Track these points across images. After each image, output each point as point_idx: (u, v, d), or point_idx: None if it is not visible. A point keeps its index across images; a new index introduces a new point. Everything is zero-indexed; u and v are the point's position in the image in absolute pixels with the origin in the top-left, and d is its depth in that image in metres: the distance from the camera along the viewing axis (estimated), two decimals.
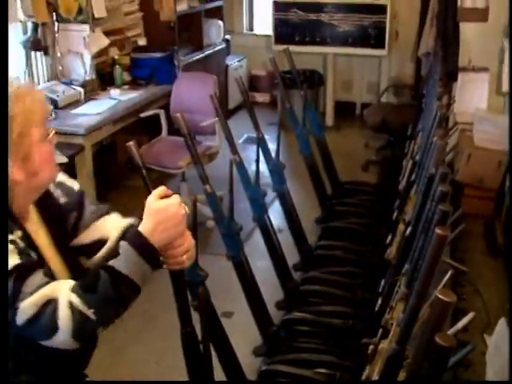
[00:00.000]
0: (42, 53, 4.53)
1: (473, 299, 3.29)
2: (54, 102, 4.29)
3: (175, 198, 1.44)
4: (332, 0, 6.26)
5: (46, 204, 1.59)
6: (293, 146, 4.16)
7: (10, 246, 1.37)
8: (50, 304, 1.33)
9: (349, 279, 3.22)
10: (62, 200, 1.65)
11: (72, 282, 1.38)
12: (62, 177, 1.68)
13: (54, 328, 1.33)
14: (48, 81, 4.64)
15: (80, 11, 4.58)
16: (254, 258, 3.30)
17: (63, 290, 1.35)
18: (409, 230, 2.15)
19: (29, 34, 4.36)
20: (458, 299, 1.62)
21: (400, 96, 6.50)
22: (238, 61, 6.95)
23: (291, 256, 3.50)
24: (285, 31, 6.38)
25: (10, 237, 1.39)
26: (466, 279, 3.33)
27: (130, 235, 1.42)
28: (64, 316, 1.33)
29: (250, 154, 4.68)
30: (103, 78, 4.90)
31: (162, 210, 1.41)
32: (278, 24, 6.40)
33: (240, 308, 3.19)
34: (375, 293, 2.67)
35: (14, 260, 1.34)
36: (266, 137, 3.35)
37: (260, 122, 3.34)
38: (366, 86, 6.91)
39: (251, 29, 7.56)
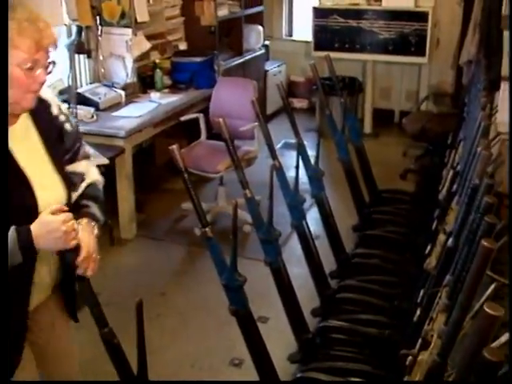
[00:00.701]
0: (86, 56, 4.60)
1: None
2: (96, 104, 4.36)
3: (62, 216, 1.60)
4: (373, 7, 6.24)
5: (43, 118, 1.80)
6: (331, 152, 4.15)
7: None
8: None
9: (386, 288, 3.19)
10: (68, 127, 1.87)
11: None
12: (67, 110, 1.92)
13: None
14: (90, 83, 4.72)
15: (123, 15, 4.65)
16: (291, 263, 3.29)
17: None
18: (450, 240, 2.12)
19: (73, 37, 4.43)
20: None
21: (440, 104, 6.43)
22: (277, 66, 6.97)
23: (328, 263, 3.48)
24: (324, 37, 6.37)
25: None
26: (506, 292, 3.27)
27: (24, 228, 1.58)
28: None
29: (287, 159, 4.68)
30: (144, 82, 4.96)
31: (44, 224, 1.60)
32: (318, 30, 6.40)
33: (276, 314, 3.18)
34: (413, 303, 2.64)
35: None
36: (305, 143, 3.35)
37: (298, 128, 3.34)
38: (405, 94, 6.85)
39: (290, 35, 7.58)
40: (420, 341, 1.90)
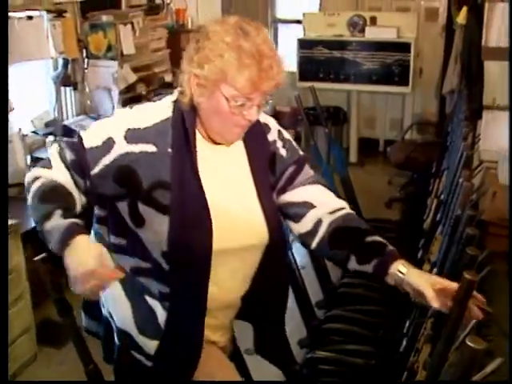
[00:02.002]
0: (72, 88, 4.62)
1: (499, 341, 3.23)
2: None
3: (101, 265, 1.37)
4: (356, 38, 6.34)
5: (256, 145, 1.66)
6: None
7: (98, 139, 1.56)
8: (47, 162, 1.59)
9: (373, 318, 3.19)
10: (283, 152, 1.72)
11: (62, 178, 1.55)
12: (289, 137, 1.80)
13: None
14: (77, 115, 4.73)
15: (109, 48, 4.69)
16: None
17: (52, 172, 1.55)
18: (435, 271, 2.14)
19: (59, 69, 4.46)
20: (484, 341, 1.61)
21: (424, 133, 6.51)
22: None
23: (314, 293, 3.48)
24: (309, 68, 6.44)
25: (113, 135, 1.56)
26: (493, 319, 3.28)
27: (68, 232, 1.41)
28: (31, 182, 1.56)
29: None
30: None
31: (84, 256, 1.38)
32: (303, 61, 6.47)
33: None
34: (399, 333, 2.65)
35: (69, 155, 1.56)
36: None
37: None
38: (390, 123, 6.93)
39: None
40: (406, 373, 1.91)
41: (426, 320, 1.98)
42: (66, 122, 4.47)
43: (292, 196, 1.71)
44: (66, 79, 4.49)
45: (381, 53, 6.24)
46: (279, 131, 1.76)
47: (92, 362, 1.71)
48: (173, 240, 1.50)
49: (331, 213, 1.67)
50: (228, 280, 1.65)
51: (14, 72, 3.85)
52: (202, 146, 1.58)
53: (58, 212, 1.44)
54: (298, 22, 6.86)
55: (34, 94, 4.43)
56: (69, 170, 1.56)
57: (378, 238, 1.65)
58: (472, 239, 1.64)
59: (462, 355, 1.16)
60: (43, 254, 1.57)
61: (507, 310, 3.59)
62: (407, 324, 2.47)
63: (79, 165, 1.55)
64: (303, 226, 1.69)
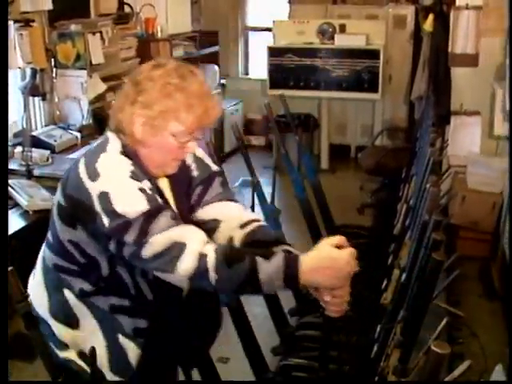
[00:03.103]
0: (40, 98, 4.58)
1: (470, 343, 3.27)
2: (51, 147, 4.33)
3: (349, 254, 1.52)
4: (326, 46, 6.38)
5: (178, 174, 1.73)
6: (288, 189, 4.19)
7: (139, 193, 1.54)
8: (177, 247, 1.49)
9: (345, 324, 3.20)
10: (195, 173, 1.80)
11: (201, 237, 1.54)
12: (202, 153, 1.85)
13: (173, 267, 1.48)
14: (46, 125, 4.69)
15: (78, 58, 4.66)
16: (250, 303, 3.28)
17: (194, 240, 1.51)
18: (404, 276, 2.15)
19: (27, 79, 4.41)
20: (455, 343, 1.62)
21: (394, 139, 6.58)
22: (234, 105, 7.03)
23: (287, 301, 3.48)
24: (280, 76, 6.47)
25: (139, 185, 1.56)
26: (463, 322, 3.31)
27: (292, 256, 1.51)
28: (188, 261, 1.48)
29: (245, 197, 4.69)
30: (100, 123, 4.94)
31: (332, 259, 1.50)
32: (273, 69, 6.50)
33: (236, 354, 3.16)
34: (371, 339, 2.66)
35: (142, 206, 1.52)
36: (262, 180, 3.38)
37: (255, 165, 3.37)
38: (361, 129, 6.99)
39: (247, 73, 7.69)
40: (376, 378, 1.92)
41: (396, 325, 2.00)
42: (34, 133, 4.42)
43: (201, 214, 1.78)
44: (35, 89, 4.45)
45: (350, 60, 6.30)
46: (193, 154, 1.82)
47: (61, 375, 1.70)
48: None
49: (241, 227, 1.73)
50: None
51: None
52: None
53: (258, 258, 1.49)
54: (269, 29, 6.89)
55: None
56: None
57: (284, 247, 1.68)
58: (439, 244, 1.66)
59: (428, 360, 1.18)
60: (11, 267, 1.55)
61: (477, 312, 3.64)
62: (378, 329, 2.49)
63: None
64: (216, 240, 1.72)
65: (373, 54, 6.22)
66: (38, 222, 3.35)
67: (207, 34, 6.42)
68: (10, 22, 4.15)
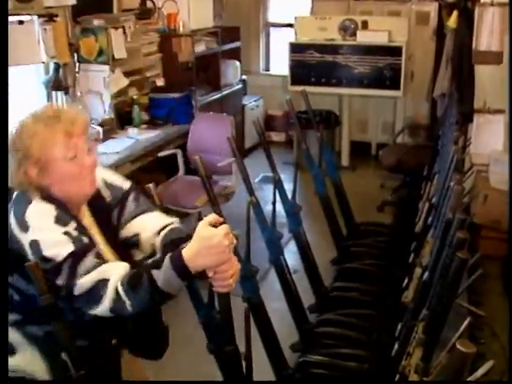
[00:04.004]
0: (63, 92, 4.61)
1: (491, 343, 3.24)
2: None
3: (222, 229, 1.55)
4: (348, 42, 6.35)
5: (96, 204, 1.85)
6: (308, 185, 4.18)
7: (64, 237, 1.63)
8: (102, 283, 1.59)
9: (364, 322, 3.19)
10: (109, 199, 1.90)
11: (122, 270, 1.62)
12: (112, 178, 1.95)
13: (98, 301, 1.60)
14: None
15: (101, 52, 4.68)
16: (270, 299, 3.28)
17: (114, 275, 1.60)
18: (426, 275, 2.14)
19: (50, 74, 4.45)
20: (477, 343, 1.59)
21: (415, 137, 6.53)
22: (255, 101, 7.04)
23: (306, 297, 3.48)
24: (301, 72, 6.45)
25: (63, 229, 1.65)
26: (484, 322, 3.28)
27: (174, 255, 1.57)
28: (109, 296, 1.59)
29: (266, 193, 4.70)
30: (122, 118, 4.97)
31: (207, 238, 1.54)
32: (295, 65, 6.48)
33: (254, 349, 3.15)
34: (391, 336, 2.65)
35: (68, 248, 1.61)
36: (282, 176, 3.37)
37: (276, 161, 3.36)
38: (382, 127, 6.95)
39: (267, 69, 7.67)
40: (398, 376, 1.91)
41: (418, 323, 1.99)
42: None
43: (123, 233, 1.90)
44: (58, 83, 4.48)
45: (372, 57, 6.26)
46: (102, 179, 1.90)
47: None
48: None
49: (158, 233, 1.86)
50: None
51: None
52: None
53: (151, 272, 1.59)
54: (290, 25, 6.87)
55: (25, 98, 4.41)
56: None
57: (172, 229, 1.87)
58: (463, 243, 1.65)
59: (453, 358, 1.17)
60: (34, 262, 1.63)
61: (498, 312, 3.60)
62: (399, 327, 2.47)
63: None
64: (144, 251, 1.90)
65: (395, 51, 6.16)
66: None
67: (229, 29, 6.41)
68: (35, 17, 4.18)
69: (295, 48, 6.49)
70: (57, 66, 4.45)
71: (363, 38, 6.28)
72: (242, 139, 6.47)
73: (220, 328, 2.26)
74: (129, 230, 1.90)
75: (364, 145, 6.97)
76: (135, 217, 1.91)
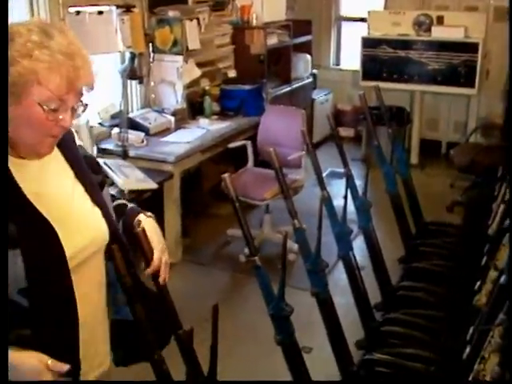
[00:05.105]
0: (137, 81, 4.71)
1: None
2: (146, 129, 4.45)
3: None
4: (422, 37, 6.24)
5: (71, 148, 1.54)
6: (376, 182, 4.12)
7: None
8: None
9: (432, 323, 3.13)
10: (79, 142, 1.63)
11: None
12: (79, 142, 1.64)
13: None
14: (141, 108, 4.82)
15: (175, 43, 4.75)
16: (335, 293, 3.26)
17: None
18: (503, 278, 2.08)
19: (126, 63, 4.54)
20: None
21: (488, 136, 6.35)
22: (324, 95, 7.01)
23: (372, 295, 3.44)
24: (373, 67, 6.39)
25: None
26: None
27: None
28: None
29: (332, 188, 4.67)
30: (193, 108, 5.04)
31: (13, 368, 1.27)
32: (367, 60, 6.42)
33: (319, 344, 3.16)
34: (460, 340, 2.59)
35: None
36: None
37: (347, 158, 3.33)
38: (453, 125, 6.81)
39: (338, 63, 7.62)
40: (471, 380, 1.87)
41: (494, 328, 1.94)
42: (131, 115, 4.55)
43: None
44: (133, 73, 4.56)
45: (447, 53, 6.12)
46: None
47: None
48: (32, 273, 1.35)
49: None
50: (91, 294, 1.55)
51: None
52: (14, 165, 1.39)
53: None
54: (363, 20, 6.80)
55: (101, 86, 4.52)
56: None
57: (120, 201, 1.72)
58: None
59: None
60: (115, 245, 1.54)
61: None
62: (471, 331, 2.42)
63: None
64: None
65: (471, 48, 6.02)
66: (132, 201, 3.44)
67: (301, 22, 6.39)
68: (113, 8, 4.29)
69: (367, 43, 6.43)
70: (132, 56, 4.54)
71: (438, 33, 6.16)
72: (311, 134, 6.46)
73: (289, 320, 2.26)
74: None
75: (434, 143, 6.83)
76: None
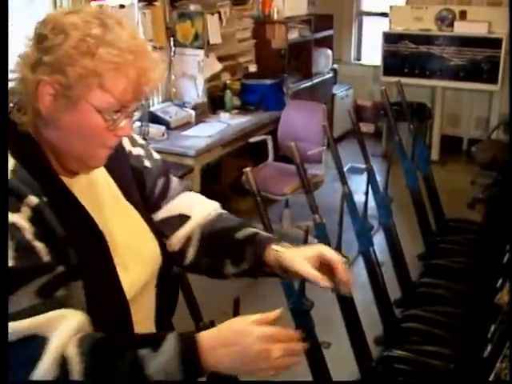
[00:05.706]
0: None
1: None
2: (167, 123, 4.46)
3: (265, 332, 1.10)
4: (444, 33, 6.18)
5: (116, 158, 1.28)
6: (397, 178, 4.11)
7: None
8: (36, 341, 1.02)
9: (452, 320, 3.12)
10: (147, 163, 1.41)
11: (77, 321, 1.07)
12: (141, 141, 1.46)
13: (31, 369, 1.01)
14: (162, 102, 4.83)
15: (196, 37, 4.76)
16: (354, 289, 3.24)
17: (59, 333, 1.04)
18: None
19: None
20: None
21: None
22: (345, 90, 6.98)
23: (392, 291, 3.43)
24: (394, 63, 6.34)
25: (11, 217, 1.03)
26: None
27: (187, 343, 1.07)
28: (47, 367, 1.01)
29: (353, 184, 4.65)
30: (214, 102, 5.05)
31: (236, 333, 1.09)
32: (388, 55, 6.37)
33: (338, 339, 3.16)
34: (481, 337, 2.58)
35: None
36: None
37: (368, 154, 3.33)
38: (475, 122, 6.74)
39: (359, 59, 7.58)
40: (493, 378, 1.86)
41: None
42: (151, 108, 4.57)
43: (166, 211, 1.44)
44: None
45: (470, 48, 6.06)
46: (131, 137, 1.40)
47: None
48: (92, 304, 1.14)
49: (202, 221, 1.45)
50: (144, 322, 1.35)
51: None
52: (69, 185, 1.20)
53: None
54: (384, 14, 6.75)
55: None
56: None
57: (248, 231, 1.40)
58: None
59: None
60: None
61: None
62: (492, 329, 2.40)
63: None
64: (174, 242, 1.43)
65: (495, 43, 5.94)
66: None
67: (322, 17, 6.35)
68: (135, 1, 4.30)
69: (389, 38, 6.38)
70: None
71: (461, 28, 6.09)
72: (331, 129, 6.43)
73: (309, 315, 2.26)
74: (173, 208, 1.44)
75: (455, 139, 6.78)
76: (180, 193, 1.47)
